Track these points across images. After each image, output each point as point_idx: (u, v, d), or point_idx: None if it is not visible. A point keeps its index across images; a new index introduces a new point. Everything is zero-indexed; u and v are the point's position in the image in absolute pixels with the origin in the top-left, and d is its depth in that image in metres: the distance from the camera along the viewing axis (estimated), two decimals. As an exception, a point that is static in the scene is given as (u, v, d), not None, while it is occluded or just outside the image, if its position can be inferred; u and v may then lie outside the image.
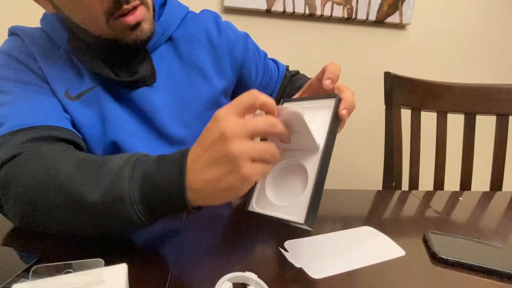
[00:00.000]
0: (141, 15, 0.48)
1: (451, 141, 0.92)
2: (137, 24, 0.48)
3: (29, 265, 0.31)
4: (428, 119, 0.93)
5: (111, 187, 0.34)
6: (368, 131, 1.38)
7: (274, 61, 0.74)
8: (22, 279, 0.29)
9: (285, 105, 0.46)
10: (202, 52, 0.60)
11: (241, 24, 0.68)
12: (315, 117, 0.42)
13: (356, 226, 0.51)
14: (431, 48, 1.36)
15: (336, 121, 0.40)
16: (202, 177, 0.34)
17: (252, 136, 0.34)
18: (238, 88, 0.68)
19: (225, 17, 0.91)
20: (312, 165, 0.38)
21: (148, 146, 0.56)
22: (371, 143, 1.40)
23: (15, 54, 0.51)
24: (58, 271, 0.20)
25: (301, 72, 0.79)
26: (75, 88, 0.52)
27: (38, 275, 0.19)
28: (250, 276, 0.35)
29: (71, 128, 0.50)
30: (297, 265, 0.40)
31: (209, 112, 0.61)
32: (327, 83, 0.43)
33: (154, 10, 0.54)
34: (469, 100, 0.87)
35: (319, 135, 0.39)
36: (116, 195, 0.34)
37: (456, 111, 0.88)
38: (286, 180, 0.42)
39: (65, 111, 0.51)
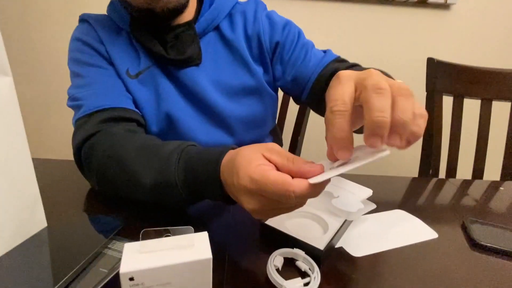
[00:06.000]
0: None
1: (491, 130, 0.89)
2: None
3: (117, 230, 0.37)
4: (468, 106, 0.91)
5: (161, 171, 0.41)
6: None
7: (326, 51, 0.67)
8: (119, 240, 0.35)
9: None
10: (243, 42, 0.63)
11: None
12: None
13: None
14: (478, 31, 1.28)
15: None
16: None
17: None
18: (281, 73, 0.66)
19: None
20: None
21: (195, 121, 0.62)
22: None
23: (86, 39, 0.59)
24: (160, 234, 0.25)
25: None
26: (134, 67, 0.60)
27: (145, 237, 0.24)
28: (298, 253, 0.39)
29: (134, 108, 0.58)
30: (337, 244, 0.43)
31: (250, 97, 0.65)
32: (372, 141, 0.27)
33: None
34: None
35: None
36: (164, 179, 0.41)
37: (502, 99, 0.85)
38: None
39: (127, 89, 0.59)
